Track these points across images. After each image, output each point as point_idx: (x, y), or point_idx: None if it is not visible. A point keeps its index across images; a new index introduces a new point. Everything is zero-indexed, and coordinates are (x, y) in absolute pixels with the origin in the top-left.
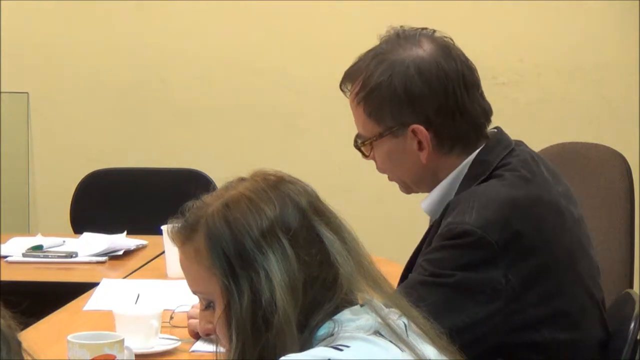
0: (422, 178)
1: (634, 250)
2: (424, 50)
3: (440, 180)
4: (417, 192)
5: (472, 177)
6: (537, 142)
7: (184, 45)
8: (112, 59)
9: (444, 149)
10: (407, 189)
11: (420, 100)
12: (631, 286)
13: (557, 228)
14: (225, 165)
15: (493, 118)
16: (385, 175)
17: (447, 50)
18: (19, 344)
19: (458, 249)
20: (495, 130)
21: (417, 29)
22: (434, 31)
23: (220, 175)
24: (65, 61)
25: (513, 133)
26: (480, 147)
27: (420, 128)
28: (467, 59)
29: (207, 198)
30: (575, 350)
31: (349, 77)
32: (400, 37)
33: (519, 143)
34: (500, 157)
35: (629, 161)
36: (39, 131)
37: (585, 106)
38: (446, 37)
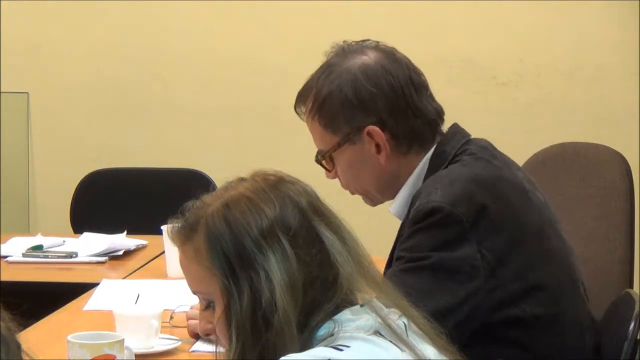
0: (385, 183)
1: (634, 250)
2: (369, 57)
3: (403, 183)
4: (382, 201)
5: (433, 170)
6: (537, 142)
7: (184, 44)
8: (112, 59)
9: (402, 149)
10: (372, 199)
11: (371, 102)
12: (631, 286)
13: (522, 204)
14: (225, 165)
15: (493, 118)
16: None
17: (392, 56)
18: (19, 346)
19: (429, 230)
20: (452, 126)
21: (361, 41)
22: (378, 42)
23: (220, 175)
24: (65, 61)
25: (513, 133)
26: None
27: (375, 129)
28: (412, 64)
29: (207, 198)
30: (558, 329)
31: (301, 97)
32: (345, 50)
33: (476, 137)
34: (458, 146)
35: (629, 161)
36: (39, 131)
37: (585, 106)
38: (390, 47)
